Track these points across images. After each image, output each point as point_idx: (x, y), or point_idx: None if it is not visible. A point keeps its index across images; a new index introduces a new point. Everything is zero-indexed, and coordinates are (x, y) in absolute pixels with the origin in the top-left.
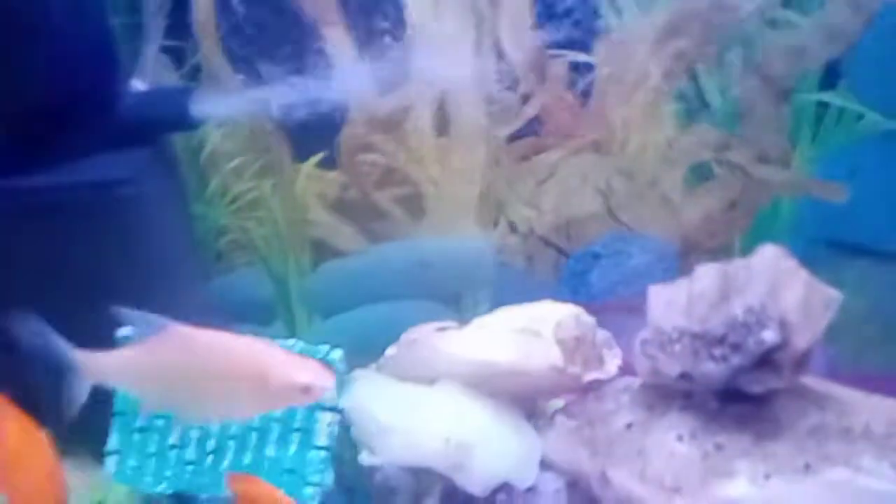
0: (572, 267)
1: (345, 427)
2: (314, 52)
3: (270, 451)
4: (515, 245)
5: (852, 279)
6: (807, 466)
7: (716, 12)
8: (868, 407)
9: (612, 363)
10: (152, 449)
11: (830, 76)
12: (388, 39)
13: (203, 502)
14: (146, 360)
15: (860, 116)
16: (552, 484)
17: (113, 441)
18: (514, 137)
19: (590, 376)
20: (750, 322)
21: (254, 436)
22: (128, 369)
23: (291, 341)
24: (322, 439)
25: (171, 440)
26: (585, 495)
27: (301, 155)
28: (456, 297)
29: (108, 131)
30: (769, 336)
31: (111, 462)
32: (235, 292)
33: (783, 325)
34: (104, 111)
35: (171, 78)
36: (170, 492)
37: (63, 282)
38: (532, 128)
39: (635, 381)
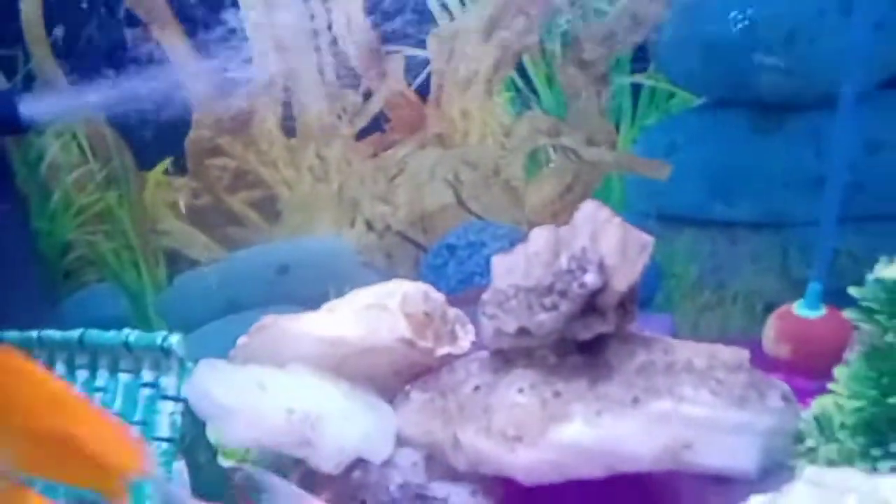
0: (430, 261)
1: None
2: (149, 55)
3: None
4: (374, 243)
5: (683, 249)
6: (635, 400)
7: (533, 4)
8: (691, 347)
9: (466, 339)
10: None
11: (641, 60)
12: (223, 40)
13: None
14: None
15: (671, 95)
16: (409, 458)
17: None
18: (361, 135)
19: (442, 351)
20: (573, 268)
21: None
22: None
23: (126, 331)
24: (164, 430)
25: None
26: (442, 465)
27: (146, 162)
28: (318, 300)
29: None
30: (590, 279)
31: None
32: (88, 311)
33: (602, 269)
34: None
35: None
36: None
37: None
38: (377, 124)
39: (484, 354)
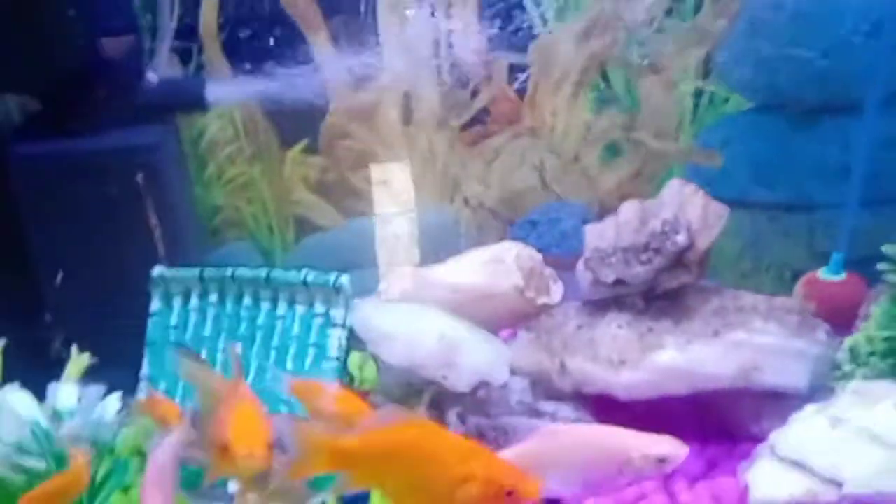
0: (514, 233)
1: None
2: (301, 53)
3: (289, 364)
4: (468, 217)
5: (729, 227)
6: (715, 332)
7: (618, 22)
8: (752, 296)
9: (557, 292)
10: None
11: (704, 69)
12: (361, 44)
13: None
14: None
15: (727, 99)
16: (520, 383)
17: (145, 367)
18: (466, 126)
19: (541, 300)
20: (666, 230)
21: (273, 353)
22: None
23: (304, 270)
24: (333, 351)
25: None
26: (547, 388)
27: (287, 142)
28: (420, 263)
29: (131, 109)
30: (681, 239)
31: (143, 386)
32: (228, 264)
33: (690, 231)
34: (128, 92)
35: (178, 73)
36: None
37: (97, 230)
38: (480, 118)
39: (577, 303)
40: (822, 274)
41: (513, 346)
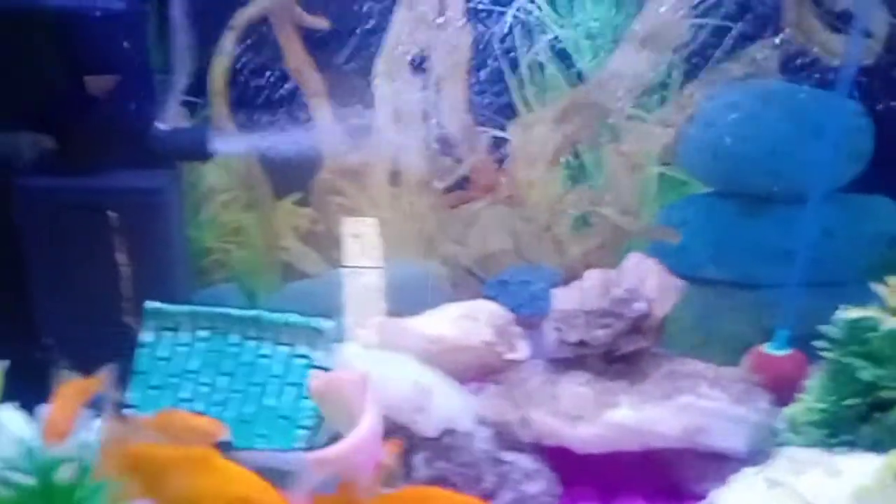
0: (486, 292)
1: None
2: (300, 113)
3: (269, 401)
4: (444, 274)
5: (683, 300)
6: (665, 395)
7: (592, 108)
8: (703, 365)
9: (524, 349)
10: (166, 403)
11: (667, 155)
12: (356, 108)
13: None
14: None
15: (685, 183)
16: (484, 432)
17: (131, 396)
18: (448, 190)
19: (509, 356)
20: (627, 298)
21: (255, 389)
22: None
23: (289, 314)
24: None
25: (182, 395)
26: (509, 439)
27: (281, 193)
28: (398, 313)
29: (142, 153)
30: (640, 306)
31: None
32: (213, 303)
33: (648, 301)
34: (138, 138)
35: (185, 123)
36: None
37: (99, 267)
38: (461, 184)
39: (542, 361)
40: (768, 348)
41: (480, 396)
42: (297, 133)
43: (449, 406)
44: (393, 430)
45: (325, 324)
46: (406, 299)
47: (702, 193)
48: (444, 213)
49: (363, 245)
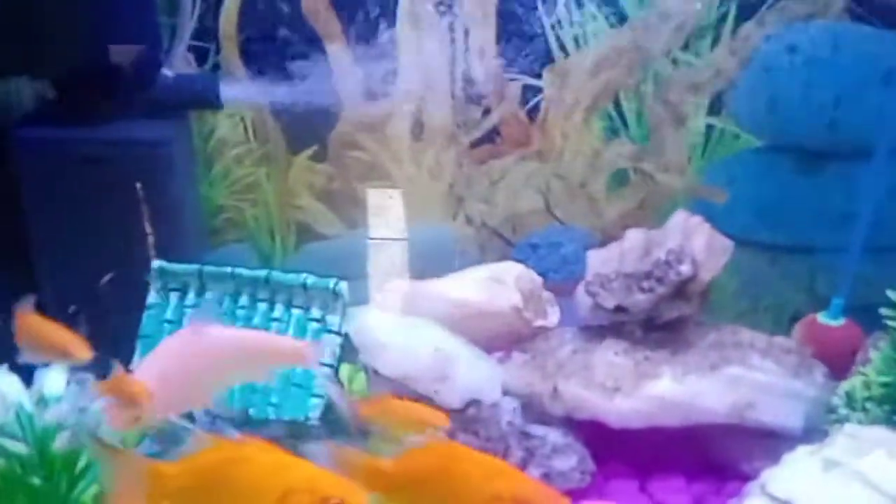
0: (515, 255)
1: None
2: (316, 60)
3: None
4: (470, 235)
5: (729, 265)
6: (713, 366)
7: (634, 52)
8: (753, 334)
9: (554, 315)
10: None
11: (716, 105)
12: (377, 55)
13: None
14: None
15: (737, 136)
16: (511, 404)
17: (136, 360)
18: (475, 144)
19: (538, 322)
20: (671, 259)
21: None
22: None
23: (304, 275)
24: (327, 357)
25: None
26: (538, 411)
27: (296, 147)
28: (418, 278)
29: (145, 103)
30: (685, 269)
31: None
32: (225, 264)
33: (694, 262)
34: (143, 86)
35: (193, 70)
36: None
37: (101, 221)
38: (490, 137)
39: (574, 328)
40: (821, 318)
41: (506, 366)
42: (313, 81)
43: (473, 375)
44: (414, 399)
45: (341, 285)
46: (429, 263)
47: (754, 148)
48: (471, 169)
49: (388, 216)
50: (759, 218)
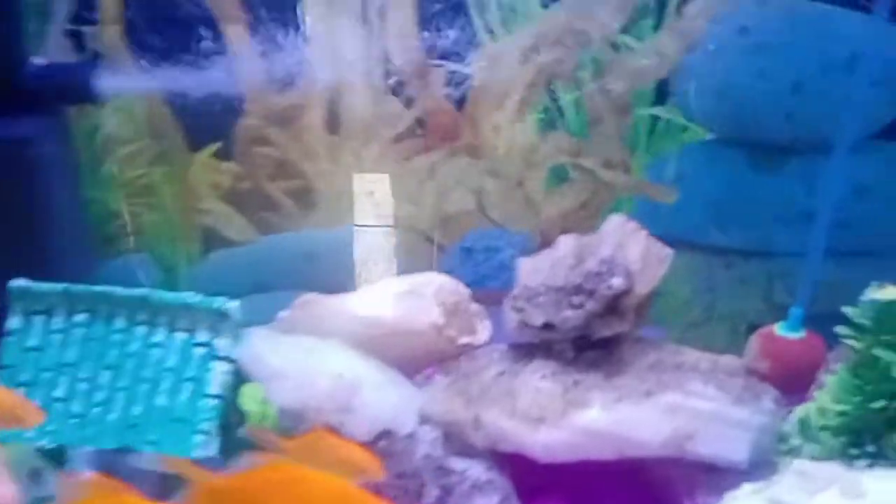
0: (446, 261)
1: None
2: (215, 45)
3: (161, 400)
4: (397, 239)
5: (679, 269)
6: (648, 392)
7: (570, 35)
8: (695, 353)
9: (484, 332)
10: (37, 402)
11: (661, 94)
12: (284, 40)
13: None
14: None
15: (685, 128)
16: (430, 434)
17: None
18: (398, 138)
19: (464, 340)
20: (602, 271)
21: (144, 387)
22: None
23: (188, 294)
24: (214, 388)
25: (57, 393)
26: (459, 442)
27: (196, 144)
28: (340, 289)
29: (13, 95)
30: (617, 282)
31: None
32: (122, 278)
33: (628, 274)
34: (9, 75)
35: (70, 58)
36: (51, 446)
37: None
38: (414, 131)
39: (503, 346)
40: (779, 329)
41: (426, 390)
42: (213, 69)
43: (384, 404)
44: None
45: (230, 305)
46: (349, 272)
47: (703, 141)
48: (395, 166)
49: (374, 202)
50: (711, 218)
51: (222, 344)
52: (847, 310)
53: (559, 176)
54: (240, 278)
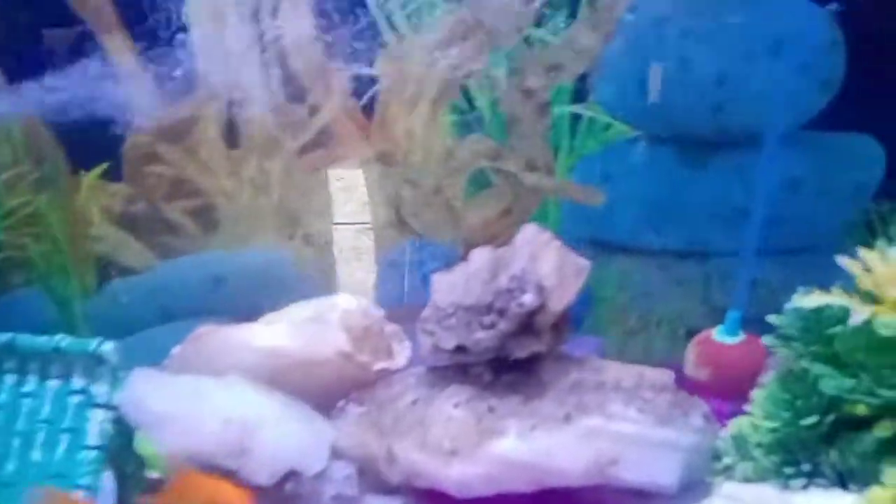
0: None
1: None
2: (95, 60)
3: (36, 455)
4: (312, 257)
5: (614, 275)
6: (567, 417)
7: (480, 31)
8: (620, 368)
9: (402, 355)
10: None
11: (581, 90)
12: (170, 49)
13: None
14: None
15: (608, 126)
16: (342, 471)
17: None
18: (305, 149)
19: (379, 366)
20: (512, 288)
21: (17, 441)
22: None
23: (58, 337)
24: (94, 439)
25: None
26: (375, 478)
27: (82, 166)
28: (253, 313)
29: None
30: (529, 299)
31: None
32: (13, 315)
33: (540, 290)
34: None
35: None
36: None
37: None
38: (322, 140)
39: (421, 370)
40: (717, 334)
41: (339, 423)
42: (93, 85)
43: (289, 442)
44: (223, 475)
45: (105, 347)
46: (261, 294)
47: (629, 139)
48: (303, 178)
49: (352, 200)
50: (642, 220)
51: (100, 390)
52: (772, 318)
53: (480, 182)
54: (142, 309)
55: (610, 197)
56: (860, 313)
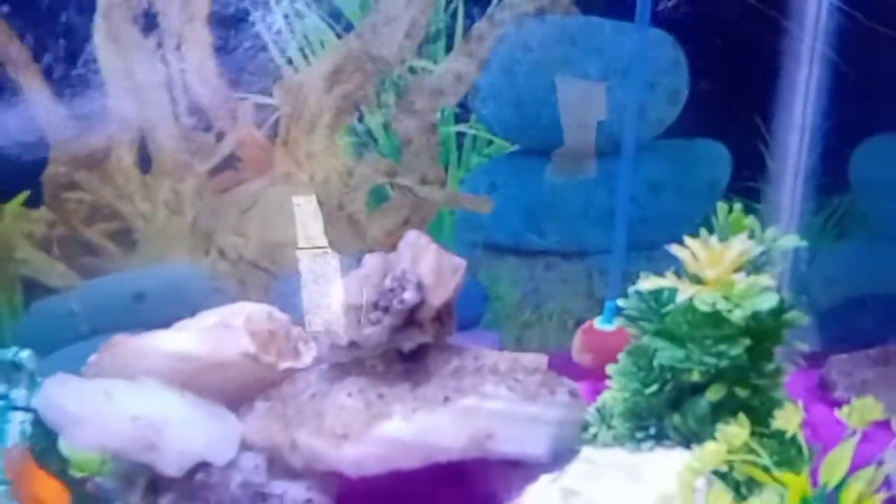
0: (282, 289)
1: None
2: (10, 94)
3: None
4: (227, 270)
5: (506, 274)
6: (446, 399)
7: (368, 62)
8: (498, 355)
9: (308, 355)
10: None
11: (464, 111)
12: (81, 81)
13: None
14: None
15: (490, 142)
16: (252, 461)
17: None
18: (215, 171)
19: (285, 365)
20: (394, 287)
21: None
22: None
23: None
24: (14, 439)
25: None
26: (282, 466)
27: (3, 195)
28: (173, 324)
29: None
30: (409, 296)
31: None
32: None
33: (420, 287)
34: None
35: None
36: None
37: None
38: (230, 163)
39: (323, 367)
40: (597, 323)
41: (248, 418)
42: (10, 117)
43: (197, 437)
44: (140, 470)
45: (22, 354)
46: (180, 307)
47: (509, 153)
48: (213, 198)
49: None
50: (527, 224)
51: (19, 394)
52: (620, 302)
53: (379, 196)
54: (69, 325)
55: (497, 204)
56: (686, 293)
